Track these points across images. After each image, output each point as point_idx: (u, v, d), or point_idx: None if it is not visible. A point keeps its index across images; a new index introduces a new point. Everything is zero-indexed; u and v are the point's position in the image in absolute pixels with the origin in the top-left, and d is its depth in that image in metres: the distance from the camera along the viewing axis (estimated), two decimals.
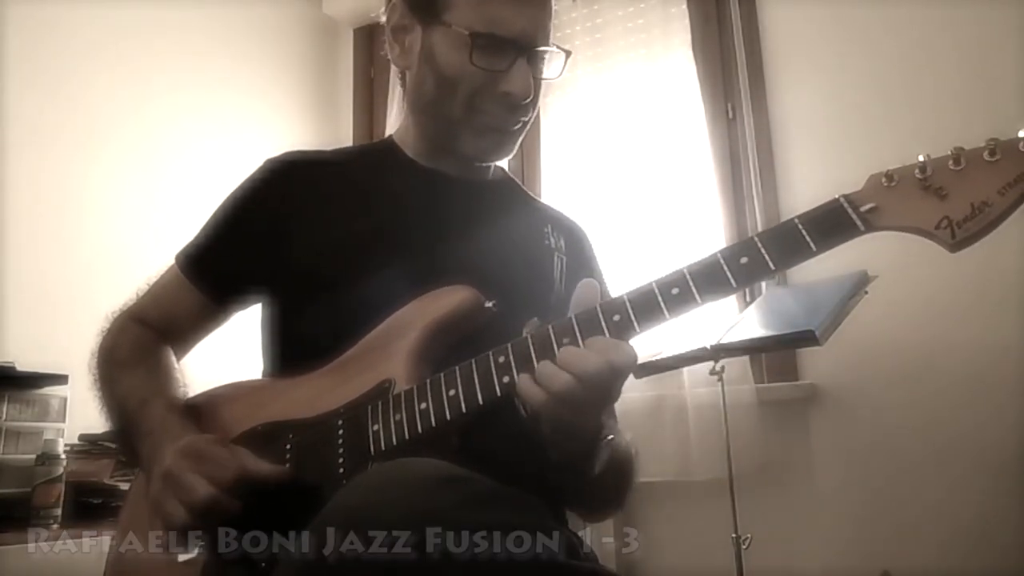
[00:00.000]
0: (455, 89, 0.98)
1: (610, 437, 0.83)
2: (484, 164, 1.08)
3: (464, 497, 0.59)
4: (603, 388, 0.75)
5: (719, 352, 1.78)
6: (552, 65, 1.03)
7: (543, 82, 1.04)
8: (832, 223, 0.73)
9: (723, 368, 1.82)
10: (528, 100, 0.99)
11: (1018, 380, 1.86)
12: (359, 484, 0.63)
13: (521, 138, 1.06)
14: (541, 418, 0.77)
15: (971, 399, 1.92)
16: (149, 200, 2.33)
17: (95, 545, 1.46)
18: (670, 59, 2.51)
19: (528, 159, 2.68)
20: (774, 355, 2.17)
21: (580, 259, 1.11)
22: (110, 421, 0.99)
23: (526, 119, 1.03)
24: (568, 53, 1.04)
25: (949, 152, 0.71)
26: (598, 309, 0.78)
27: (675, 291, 0.75)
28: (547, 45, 1.00)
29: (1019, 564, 1.79)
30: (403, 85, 1.08)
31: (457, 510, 0.58)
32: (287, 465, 0.85)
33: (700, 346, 1.79)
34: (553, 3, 1.03)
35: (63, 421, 1.78)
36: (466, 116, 0.99)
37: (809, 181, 2.22)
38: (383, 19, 1.07)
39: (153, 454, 0.87)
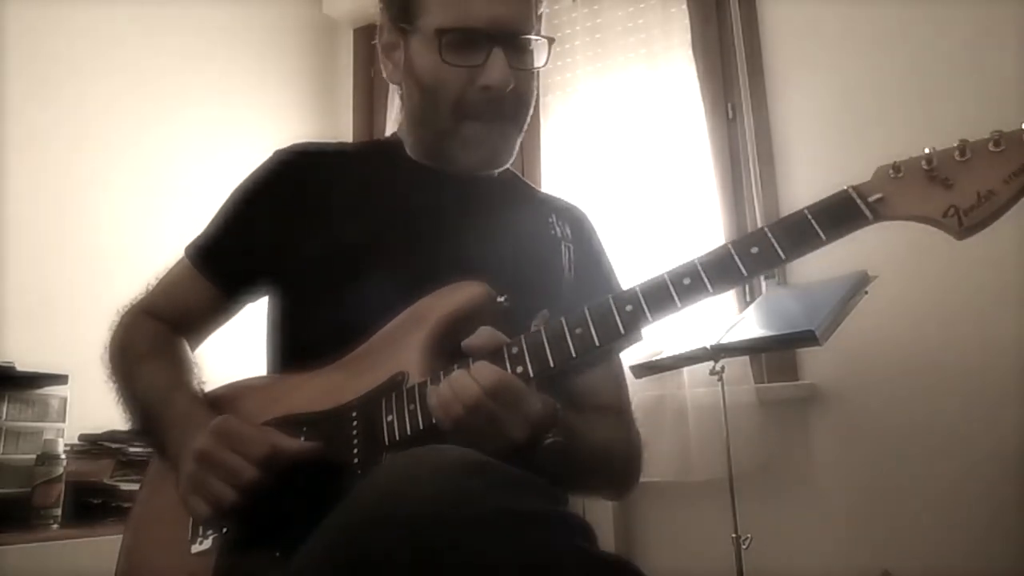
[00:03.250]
0: (437, 97, 0.97)
1: (549, 440, 0.81)
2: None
3: (493, 482, 0.60)
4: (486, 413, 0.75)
5: (719, 352, 1.78)
6: (538, 55, 1.01)
7: (532, 73, 1.01)
8: (841, 213, 0.74)
9: (723, 368, 1.82)
10: (510, 90, 0.96)
11: (1018, 379, 1.86)
12: (390, 467, 0.64)
13: (517, 141, 1.05)
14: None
15: (971, 398, 1.92)
16: (150, 200, 2.33)
17: (95, 545, 1.46)
18: (670, 59, 2.51)
19: (528, 159, 2.68)
20: (774, 355, 2.17)
21: (586, 246, 1.11)
22: (130, 415, 1.00)
23: (517, 117, 1.01)
24: (551, 40, 1.01)
25: (954, 144, 0.72)
26: (611, 300, 0.79)
27: (687, 281, 0.77)
28: (528, 33, 0.97)
29: (1020, 564, 1.79)
30: (401, 99, 1.09)
31: (487, 494, 0.58)
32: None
33: (700, 346, 1.79)
34: None
35: (63, 421, 1.77)
36: (454, 126, 0.99)
37: (809, 180, 2.22)
38: (376, 40, 1.07)
39: (180, 445, 0.87)
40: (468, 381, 0.75)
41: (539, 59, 1.01)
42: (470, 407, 0.74)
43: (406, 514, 0.56)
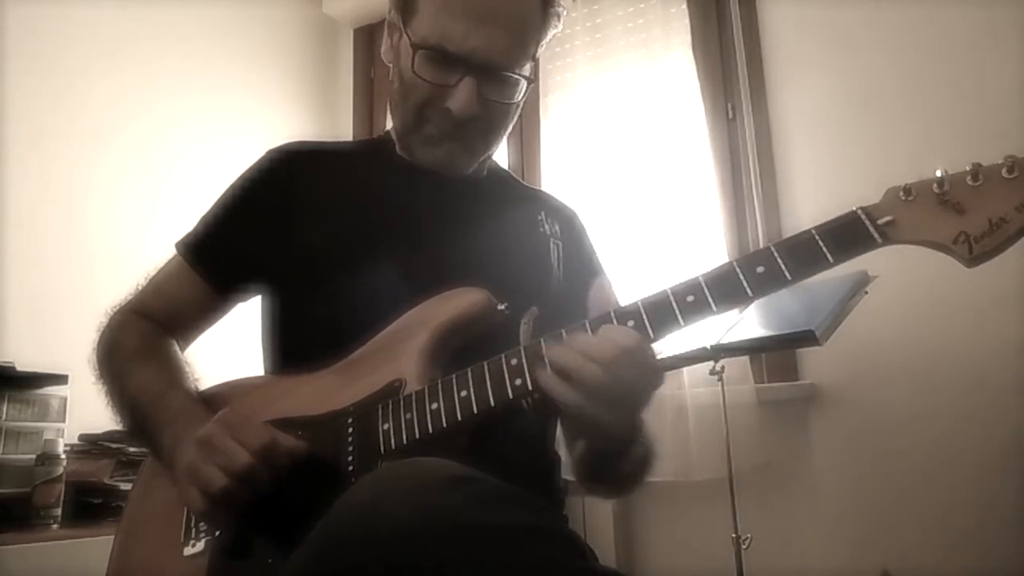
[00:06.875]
0: (407, 96, 0.99)
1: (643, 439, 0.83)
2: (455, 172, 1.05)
3: (473, 497, 0.59)
4: (625, 378, 0.74)
5: (719, 352, 1.78)
6: (514, 90, 0.99)
7: (506, 105, 0.99)
8: (849, 235, 0.73)
9: (723, 368, 1.82)
10: (476, 119, 0.96)
11: (1018, 379, 1.86)
12: (369, 482, 0.63)
13: (483, 155, 1.05)
14: (572, 416, 0.76)
15: (971, 398, 1.92)
16: (150, 200, 2.33)
17: (95, 545, 1.46)
18: (670, 59, 2.50)
19: (528, 159, 2.68)
20: (774, 355, 2.17)
21: (575, 243, 1.11)
22: (121, 415, 0.99)
23: (480, 137, 1.01)
24: (530, 81, 1.00)
25: (966, 167, 0.71)
26: (612, 315, 0.78)
27: (690, 298, 0.76)
28: (508, 69, 0.96)
29: (1019, 564, 1.79)
30: None
31: (466, 509, 0.58)
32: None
33: (700, 346, 1.79)
34: (540, 29, 0.99)
35: (63, 421, 1.78)
36: (415, 126, 1.00)
37: (809, 181, 2.21)
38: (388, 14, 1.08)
39: (176, 441, 0.86)
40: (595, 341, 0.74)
41: (516, 94, 1.00)
42: (605, 363, 0.73)
43: (384, 531, 0.56)
